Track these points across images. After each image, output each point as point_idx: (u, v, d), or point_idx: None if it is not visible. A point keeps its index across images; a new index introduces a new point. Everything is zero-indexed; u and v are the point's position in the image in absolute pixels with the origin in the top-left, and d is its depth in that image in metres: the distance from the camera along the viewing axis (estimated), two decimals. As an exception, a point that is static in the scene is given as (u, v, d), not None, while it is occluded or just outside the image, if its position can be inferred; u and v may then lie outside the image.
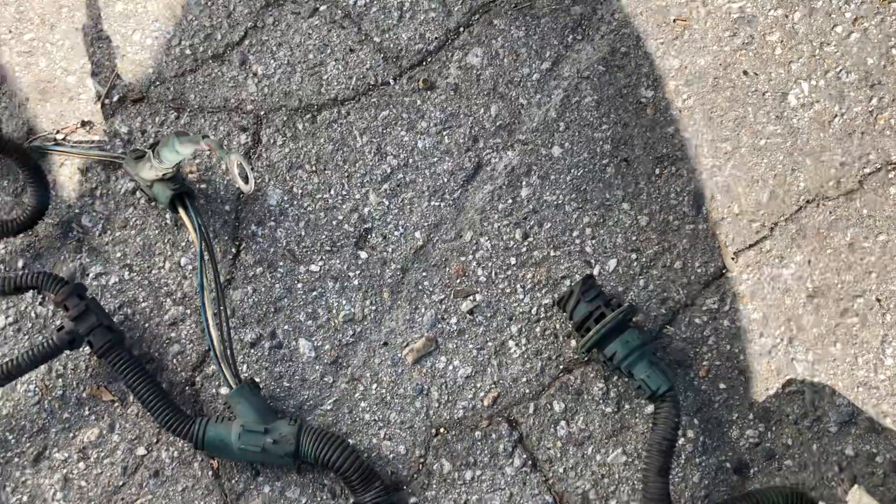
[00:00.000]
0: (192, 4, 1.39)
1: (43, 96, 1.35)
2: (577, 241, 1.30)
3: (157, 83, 1.36)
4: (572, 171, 1.32)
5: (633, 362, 1.17)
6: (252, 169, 1.12)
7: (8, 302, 1.29)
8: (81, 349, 1.23)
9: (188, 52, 1.37)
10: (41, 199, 1.28)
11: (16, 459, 1.23)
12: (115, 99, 1.36)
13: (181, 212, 1.22)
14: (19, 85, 1.36)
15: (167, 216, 1.30)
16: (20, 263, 1.30)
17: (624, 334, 1.18)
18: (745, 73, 1.35)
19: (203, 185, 1.31)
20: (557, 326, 1.27)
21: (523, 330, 1.27)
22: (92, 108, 1.36)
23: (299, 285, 1.29)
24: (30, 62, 1.36)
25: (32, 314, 1.28)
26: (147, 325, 1.27)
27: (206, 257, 1.20)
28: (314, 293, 1.29)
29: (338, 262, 1.30)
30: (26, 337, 1.27)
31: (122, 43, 1.38)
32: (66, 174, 1.32)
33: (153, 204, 1.30)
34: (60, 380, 1.25)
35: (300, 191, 1.32)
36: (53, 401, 1.25)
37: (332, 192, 1.32)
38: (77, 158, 1.32)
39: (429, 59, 1.37)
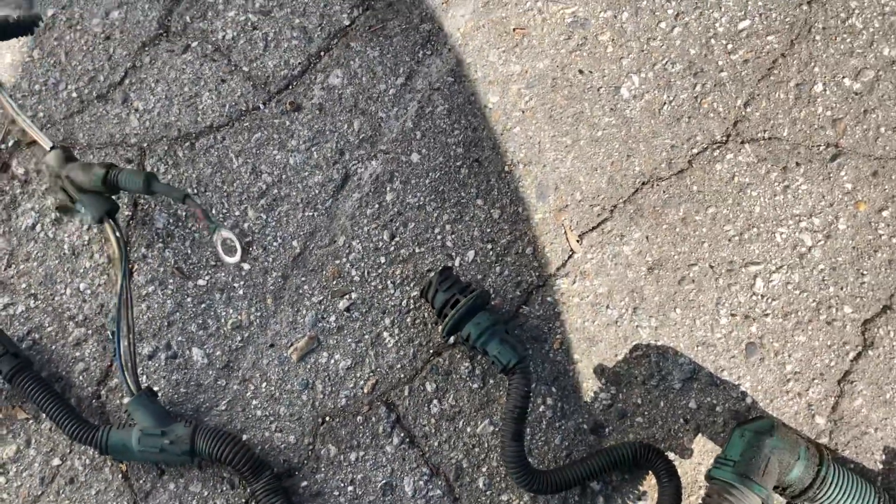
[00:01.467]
0: (76, 51, 1.51)
1: (-57, 146, 1.48)
2: (439, 237, 1.44)
3: (49, 126, 1.49)
4: (430, 174, 1.46)
5: (485, 341, 1.31)
6: (240, 242, 1.27)
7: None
8: (-8, 376, 1.35)
9: (74, 94, 1.50)
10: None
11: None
12: (11, 144, 1.48)
13: (106, 226, 1.33)
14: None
15: (65, 247, 1.43)
16: (-67, 301, 1.42)
17: (476, 317, 1.31)
18: (581, 71, 1.49)
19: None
20: (426, 315, 1.41)
21: (396, 321, 1.41)
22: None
23: (189, 299, 1.42)
24: (-72, 116, 1.49)
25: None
26: (53, 347, 1.40)
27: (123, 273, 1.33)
28: (203, 305, 1.42)
29: (223, 275, 1.43)
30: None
31: (13, 92, 1.50)
32: (-30, 216, 1.45)
33: (58, 225, 1.42)
34: (-23, 406, 1.38)
35: (184, 213, 1.45)
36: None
37: (214, 211, 1.44)
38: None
39: (294, 83, 1.50)
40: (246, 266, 1.43)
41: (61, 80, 1.50)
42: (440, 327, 1.35)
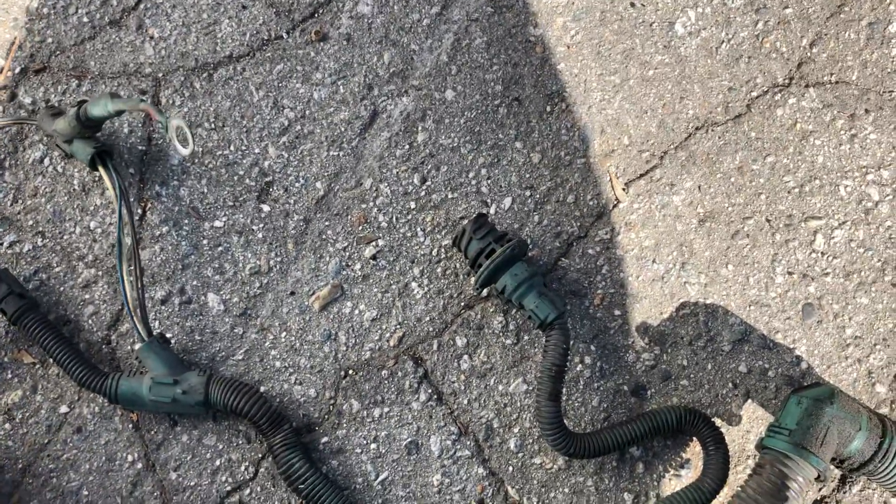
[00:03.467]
0: (86, -29, 1.40)
1: (-54, 72, 1.38)
2: (474, 182, 1.33)
3: (58, 53, 1.38)
4: (466, 113, 1.35)
5: (522, 294, 1.21)
6: (193, 132, 1.12)
7: (-73, 275, 1.33)
8: (-2, 316, 1.28)
9: (86, 19, 1.39)
10: (-51, 173, 1.32)
11: (-54, 424, 1.29)
12: (17, 71, 1.38)
13: (101, 170, 1.25)
14: (-79, 62, 1.38)
15: (75, 182, 1.34)
16: (-64, 237, 1.34)
17: (513, 267, 1.22)
18: (633, 4, 1.37)
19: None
20: (457, 266, 1.31)
21: (425, 271, 1.31)
22: (-5, 82, 1.38)
23: (205, 241, 1.33)
24: (-70, 39, 1.39)
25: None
26: (62, 288, 1.32)
27: (125, 215, 1.24)
28: (220, 248, 1.33)
29: (241, 216, 1.33)
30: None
31: (20, 14, 1.40)
32: (-26, 147, 1.36)
33: (69, 160, 1.33)
34: (-21, 348, 1.30)
35: (201, 149, 1.35)
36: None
37: (232, 147, 1.35)
38: None
39: (320, 11, 1.38)
40: (266, 207, 1.33)
41: (71, 3, 1.39)
42: (473, 278, 1.26)
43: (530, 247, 1.31)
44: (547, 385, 1.18)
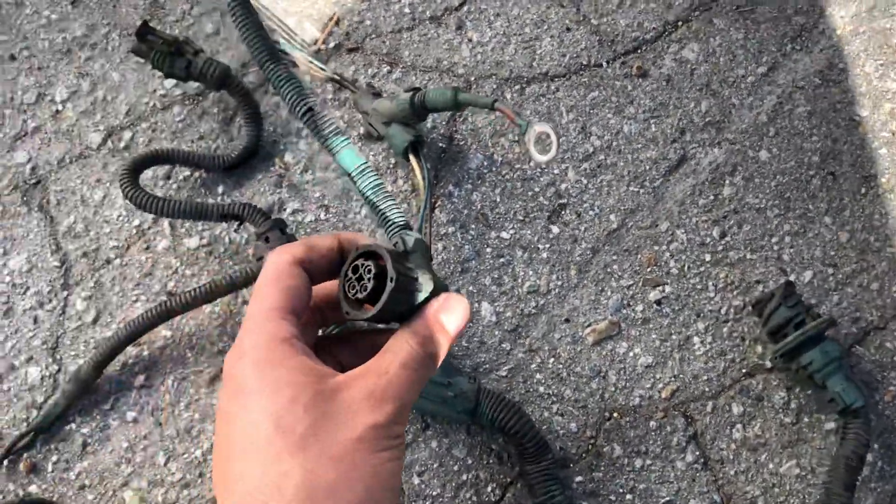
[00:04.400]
0: (416, -35, 1.42)
1: (262, 33, 1.39)
2: (776, 248, 1.28)
3: (374, 36, 1.39)
4: (777, 177, 1.31)
5: (829, 373, 1.15)
6: (557, 135, 1.05)
7: (203, 225, 1.32)
8: (275, 279, 1.25)
9: (407, 10, 1.40)
10: (254, 140, 1.32)
11: (192, 377, 1.26)
12: (332, 46, 1.39)
13: (412, 158, 1.24)
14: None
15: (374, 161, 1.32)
16: (220, 189, 1.33)
17: (823, 344, 1.16)
18: (966, 105, 1.33)
19: (407, 140, 1.33)
20: (745, 330, 1.26)
21: (710, 328, 1.26)
22: (306, 52, 1.39)
23: (488, 250, 1.30)
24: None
25: (226, 239, 1.31)
26: (336, 266, 1.29)
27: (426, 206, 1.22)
28: (502, 260, 1.29)
29: (529, 232, 1.30)
30: (216, 260, 1.30)
31: (344, -7, 1.41)
32: (275, 110, 1.36)
33: (377, 140, 1.32)
34: (244, 306, 1.28)
35: (500, 158, 1.33)
36: (235, 325, 1.27)
37: (532, 163, 1.32)
38: (309, 76, 1.34)
39: (644, 48, 1.37)
40: (555, 229, 1.30)
41: (396, -8, 1.41)
42: (774, 346, 1.20)
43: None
44: (844, 474, 1.11)
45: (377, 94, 1.29)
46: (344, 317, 0.59)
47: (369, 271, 0.57)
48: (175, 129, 1.35)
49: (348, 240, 0.61)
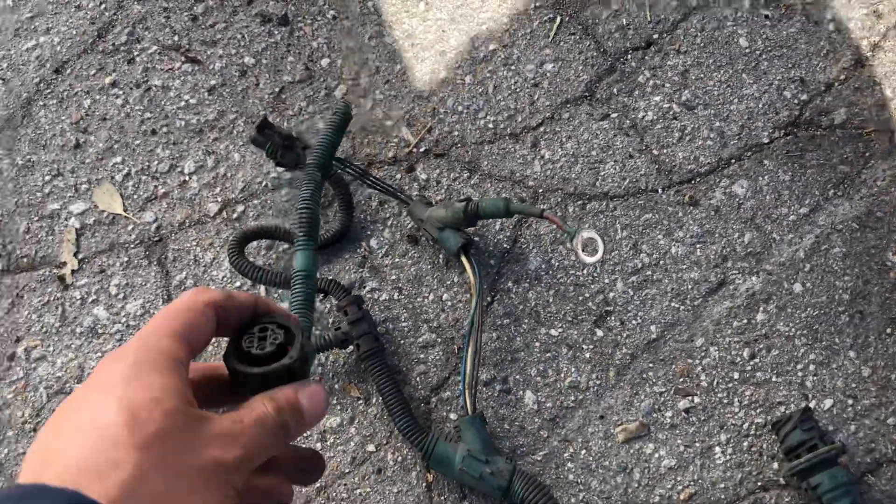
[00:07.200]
0: (503, 87, 1.62)
1: (364, 134, 1.62)
2: (800, 374, 1.40)
3: (459, 145, 1.59)
4: (808, 309, 1.43)
5: (836, 497, 1.25)
6: (603, 240, 1.20)
7: (292, 292, 1.52)
8: (348, 349, 1.44)
9: (490, 125, 1.60)
10: (345, 224, 1.52)
11: (266, 424, 1.44)
12: (422, 150, 1.60)
13: (463, 258, 1.42)
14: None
15: (440, 256, 1.51)
16: (311, 263, 1.54)
17: (832, 468, 1.26)
18: None
19: (476, 239, 1.52)
20: (764, 447, 1.37)
21: (731, 440, 1.38)
22: (398, 153, 1.60)
23: (537, 344, 1.45)
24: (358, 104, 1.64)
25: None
26: (402, 342, 1.47)
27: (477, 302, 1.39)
28: (548, 354, 1.45)
29: (575, 333, 1.45)
30: (300, 325, 1.49)
31: (438, 105, 1.62)
32: (367, 201, 1.56)
33: (432, 245, 1.51)
34: (320, 368, 1.46)
35: (557, 263, 1.50)
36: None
37: (585, 271, 1.49)
38: (373, 190, 1.55)
39: (697, 180, 1.53)
40: (599, 332, 1.45)
41: (482, 109, 1.61)
42: (787, 464, 1.31)
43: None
44: None
45: (429, 204, 1.47)
46: (225, 362, 0.60)
47: (276, 339, 0.60)
48: (281, 207, 1.58)
49: (265, 304, 0.63)
